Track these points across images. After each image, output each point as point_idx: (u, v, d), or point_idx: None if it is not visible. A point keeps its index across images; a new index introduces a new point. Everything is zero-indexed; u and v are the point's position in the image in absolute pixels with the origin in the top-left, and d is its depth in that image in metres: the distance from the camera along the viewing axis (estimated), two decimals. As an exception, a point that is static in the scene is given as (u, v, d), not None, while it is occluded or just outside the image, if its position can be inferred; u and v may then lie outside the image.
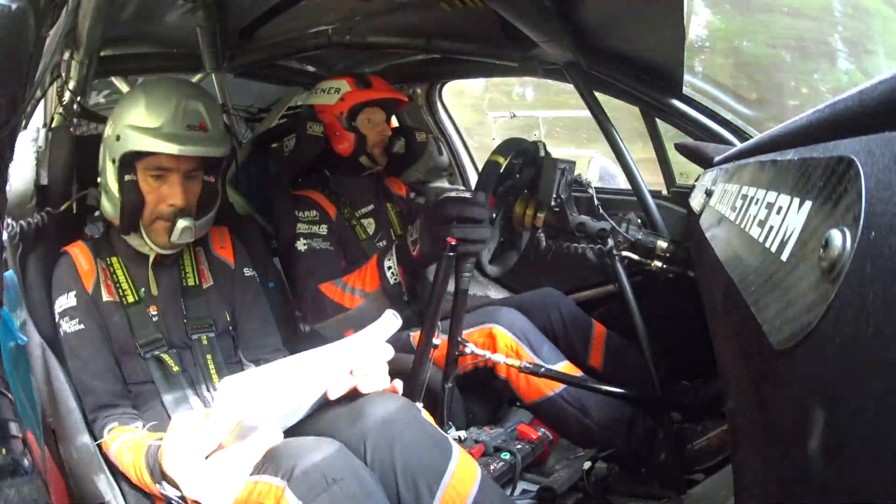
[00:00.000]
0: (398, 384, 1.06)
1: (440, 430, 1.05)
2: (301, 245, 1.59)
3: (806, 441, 0.31)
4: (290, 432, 1.02)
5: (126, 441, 1.03)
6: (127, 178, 1.17)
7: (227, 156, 1.25)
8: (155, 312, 1.23)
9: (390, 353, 1.03)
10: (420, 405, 1.36)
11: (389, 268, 1.41)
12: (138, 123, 1.14)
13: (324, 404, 1.03)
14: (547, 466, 1.50)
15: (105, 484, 1.02)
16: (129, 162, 1.17)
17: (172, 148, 1.12)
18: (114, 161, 1.17)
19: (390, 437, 0.96)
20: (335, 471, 0.88)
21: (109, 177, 1.19)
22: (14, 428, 0.60)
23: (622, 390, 1.36)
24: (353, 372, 0.99)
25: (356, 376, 1.00)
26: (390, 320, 0.98)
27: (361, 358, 0.98)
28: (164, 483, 0.91)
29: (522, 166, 1.49)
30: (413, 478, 0.93)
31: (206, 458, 0.85)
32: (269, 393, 0.78)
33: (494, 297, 2.18)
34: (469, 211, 1.21)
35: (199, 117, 1.18)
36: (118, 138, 1.15)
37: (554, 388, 1.42)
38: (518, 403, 1.73)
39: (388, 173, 1.90)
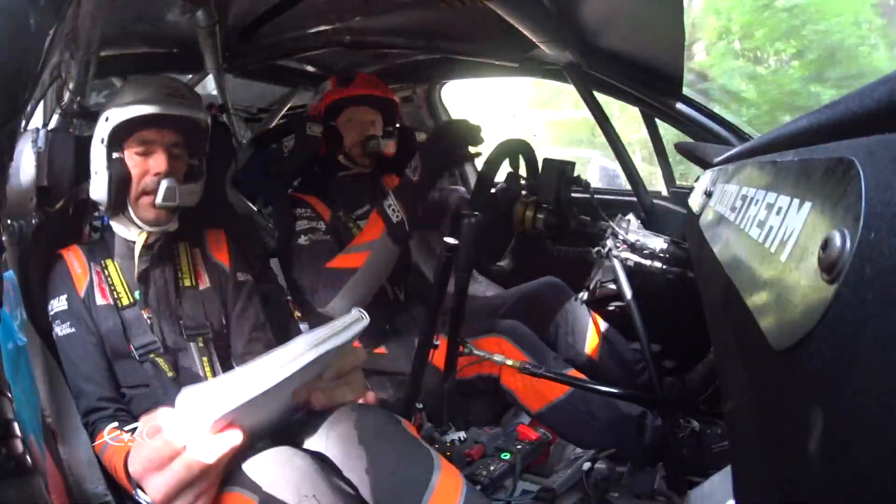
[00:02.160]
0: (371, 395, 1.01)
1: (423, 441, 1.00)
2: (304, 240, 1.60)
3: (805, 441, 0.31)
4: (260, 444, 0.97)
5: (113, 444, 1.01)
6: (114, 155, 1.21)
7: (207, 128, 1.29)
8: (149, 315, 1.22)
9: (362, 357, 0.94)
10: (420, 406, 1.37)
11: (390, 205, 1.44)
12: (123, 101, 1.21)
13: (298, 417, 0.98)
14: (547, 466, 1.50)
15: (105, 484, 1.02)
16: (116, 140, 1.21)
17: (155, 108, 1.18)
18: (102, 140, 1.21)
19: (368, 451, 0.92)
20: (308, 485, 0.85)
21: (98, 158, 1.23)
22: (14, 428, 0.60)
23: (629, 391, 1.36)
24: (322, 376, 0.89)
25: (328, 383, 0.89)
26: (356, 318, 0.84)
27: (330, 360, 0.86)
28: (139, 490, 0.89)
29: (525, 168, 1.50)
30: (394, 494, 0.90)
31: (170, 461, 0.79)
32: (231, 398, 0.73)
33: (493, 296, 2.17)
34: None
35: (180, 91, 1.25)
36: (106, 119, 1.21)
37: (558, 394, 1.42)
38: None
39: (384, 173, 1.89)
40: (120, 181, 1.21)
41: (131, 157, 1.22)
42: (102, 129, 1.22)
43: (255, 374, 0.73)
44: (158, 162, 1.21)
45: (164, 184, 1.20)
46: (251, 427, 0.84)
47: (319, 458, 0.92)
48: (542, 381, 1.40)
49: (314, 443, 0.96)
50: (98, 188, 1.24)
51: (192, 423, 0.72)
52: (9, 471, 0.56)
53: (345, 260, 1.50)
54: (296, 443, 0.97)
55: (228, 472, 0.87)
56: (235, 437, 0.76)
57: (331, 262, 1.52)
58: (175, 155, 1.24)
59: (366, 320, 0.83)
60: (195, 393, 0.73)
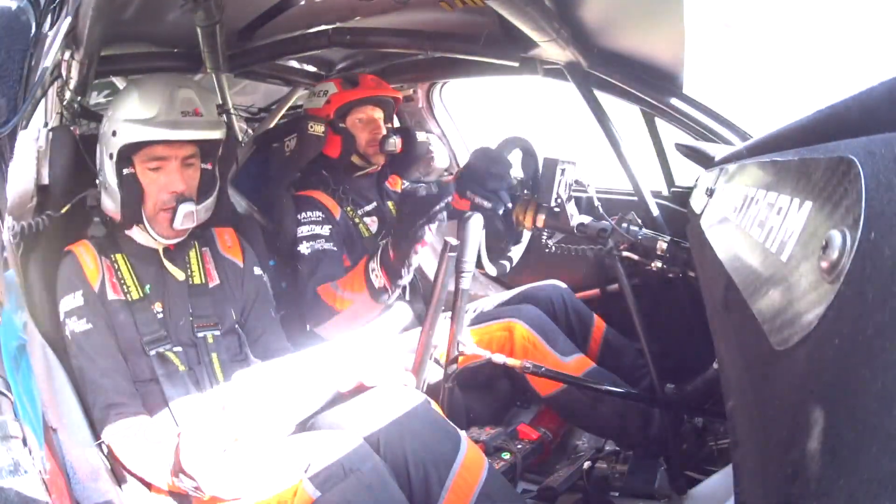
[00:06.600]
0: (409, 378, 1.09)
1: (449, 422, 1.07)
2: (304, 248, 1.59)
3: (805, 441, 0.31)
4: (305, 426, 1.04)
5: (133, 437, 1.04)
6: (125, 171, 1.19)
7: (222, 139, 1.27)
8: (160, 309, 1.23)
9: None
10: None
11: (373, 270, 1.42)
12: (133, 116, 1.17)
13: (337, 397, 1.05)
14: (547, 466, 1.50)
15: (106, 483, 1.02)
16: (126, 156, 1.19)
17: (169, 133, 1.15)
18: (111, 156, 1.18)
19: (402, 428, 0.99)
20: (352, 461, 0.91)
21: (108, 172, 1.20)
22: (14, 428, 0.60)
23: (624, 390, 1.36)
24: (364, 365, 1.01)
25: (368, 368, 1.02)
26: (403, 310, 0.99)
27: (372, 351, 1.00)
28: (182, 476, 0.92)
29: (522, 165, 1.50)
30: (424, 467, 0.97)
31: (223, 451, 0.86)
32: (280, 385, 0.79)
33: (494, 296, 2.17)
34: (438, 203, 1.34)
35: (193, 103, 1.20)
36: (114, 133, 1.17)
37: None
38: (518, 403, 1.74)
39: (390, 172, 1.89)
40: (133, 198, 1.19)
41: (144, 173, 1.20)
42: (110, 144, 1.18)
43: (303, 359, 0.78)
44: (173, 179, 1.19)
45: (181, 209, 1.18)
46: (297, 411, 0.94)
47: (360, 436, 0.98)
48: (553, 366, 1.41)
49: (354, 421, 1.02)
50: (110, 204, 1.22)
51: (247, 402, 0.76)
52: (9, 471, 0.56)
53: (331, 296, 1.49)
54: (338, 423, 1.03)
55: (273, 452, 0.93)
56: (288, 427, 0.81)
57: (321, 287, 1.51)
58: (189, 164, 1.22)
59: (411, 313, 0.94)
60: (250, 382, 0.76)
